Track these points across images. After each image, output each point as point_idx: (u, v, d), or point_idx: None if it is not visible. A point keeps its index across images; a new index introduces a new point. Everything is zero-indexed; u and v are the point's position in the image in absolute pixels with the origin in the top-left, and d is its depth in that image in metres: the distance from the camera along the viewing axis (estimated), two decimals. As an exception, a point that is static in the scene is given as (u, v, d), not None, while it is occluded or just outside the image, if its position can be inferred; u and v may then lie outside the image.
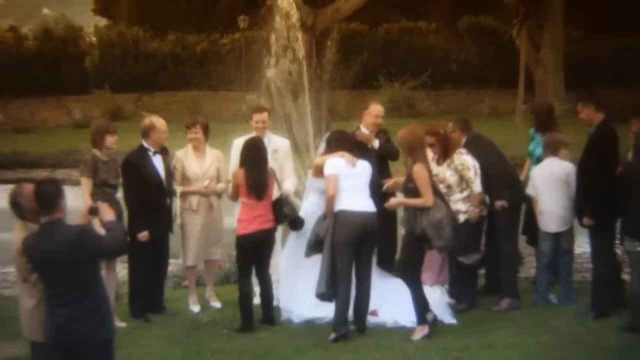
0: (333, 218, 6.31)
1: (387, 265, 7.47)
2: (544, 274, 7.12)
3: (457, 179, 6.89)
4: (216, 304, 7.40)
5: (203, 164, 7.28)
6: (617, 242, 6.67)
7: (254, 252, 6.60)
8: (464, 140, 7.28)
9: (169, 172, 7.11)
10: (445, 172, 6.91)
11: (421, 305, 6.35)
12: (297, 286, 6.80)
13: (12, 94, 28.68)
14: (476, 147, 7.17)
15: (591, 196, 6.53)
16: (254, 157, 6.54)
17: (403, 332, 6.46)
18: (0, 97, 28.56)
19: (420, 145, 6.33)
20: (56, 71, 30.04)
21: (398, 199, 6.54)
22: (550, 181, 6.98)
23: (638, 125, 6.83)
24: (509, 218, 7.10)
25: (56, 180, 4.82)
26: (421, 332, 6.30)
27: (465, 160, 6.87)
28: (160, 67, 30.52)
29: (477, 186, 6.85)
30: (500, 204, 6.95)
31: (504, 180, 7.08)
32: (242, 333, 6.52)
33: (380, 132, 7.62)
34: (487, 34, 29.83)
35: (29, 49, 31.04)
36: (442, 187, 6.73)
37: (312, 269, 6.58)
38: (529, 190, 7.16)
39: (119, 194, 6.98)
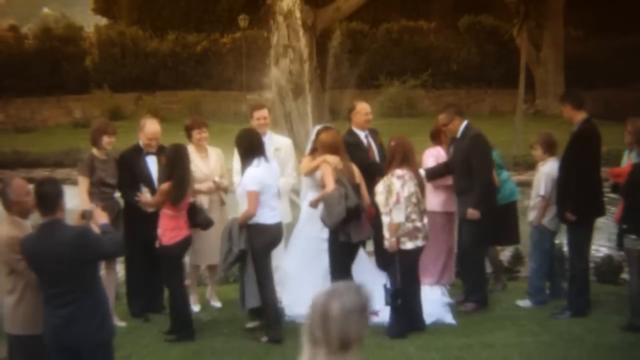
0: (247, 230, 6.23)
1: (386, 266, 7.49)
2: (544, 273, 7.16)
3: (384, 198, 6.31)
4: (217, 304, 7.41)
5: (209, 163, 7.29)
6: (614, 241, 6.69)
7: (181, 258, 6.62)
8: (462, 127, 6.98)
9: None
10: (378, 186, 6.44)
11: None
12: (303, 286, 6.80)
13: (13, 93, 28.65)
14: (474, 146, 6.91)
15: (573, 192, 6.58)
16: (181, 168, 6.35)
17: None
18: (0, 97, 28.54)
19: (340, 148, 6.56)
20: (56, 71, 29.99)
21: (315, 197, 6.69)
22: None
23: (632, 125, 6.91)
24: (479, 226, 6.86)
25: (56, 180, 4.80)
26: None
27: (393, 184, 6.24)
28: (160, 66, 30.48)
29: (395, 215, 6.21)
30: (472, 212, 6.65)
31: (485, 191, 6.80)
32: (180, 342, 6.33)
33: (374, 133, 7.60)
34: (488, 33, 29.79)
35: (29, 49, 30.96)
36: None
37: (318, 269, 6.62)
38: (540, 190, 7.07)
39: (118, 194, 6.99)
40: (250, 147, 6.30)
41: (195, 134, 7.28)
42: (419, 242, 6.41)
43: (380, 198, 6.33)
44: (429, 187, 7.45)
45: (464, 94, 29.32)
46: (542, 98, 26.86)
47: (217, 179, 7.17)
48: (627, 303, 6.53)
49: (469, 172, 6.66)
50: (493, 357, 5.85)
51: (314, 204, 6.64)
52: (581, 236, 6.74)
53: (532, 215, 7.16)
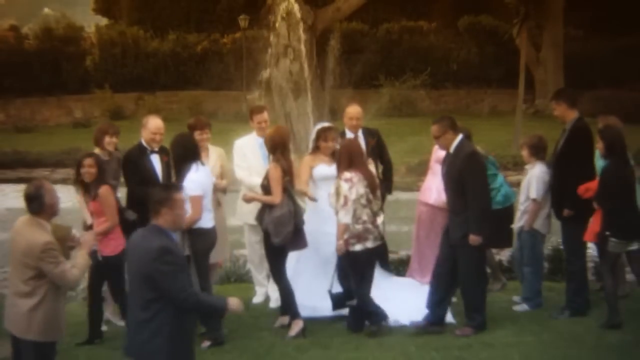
0: (187, 235, 6.18)
1: (386, 265, 7.49)
2: (540, 275, 7.17)
3: (335, 200, 6.35)
4: (217, 303, 7.41)
5: (208, 163, 7.29)
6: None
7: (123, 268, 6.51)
8: (457, 141, 6.37)
9: (168, 172, 7.13)
10: (331, 188, 6.47)
11: (290, 301, 6.48)
12: (302, 279, 6.84)
13: (13, 93, 28.68)
14: (467, 167, 6.30)
15: (570, 190, 6.60)
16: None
17: (404, 331, 6.49)
18: (1, 97, 28.55)
19: (282, 145, 6.48)
20: (57, 71, 30.01)
21: (251, 194, 6.74)
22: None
23: (604, 121, 6.99)
24: (476, 251, 6.40)
25: (168, 187, 4.68)
26: (297, 327, 6.42)
27: (341, 187, 6.28)
28: (161, 66, 30.50)
29: (341, 217, 6.24)
30: (474, 238, 6.22)
31: (484, 215, 6.29)
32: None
33: (369, 135, 7.56)
34: (488, 33, 29.82)
35: (29, 49, 30.96)
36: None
37: (318, 263, 6.64)
38: (535, 194, 6.95)
39: (120, 194, 7.00)
40: (185, 153, 6.28)
41: (197, 134, 7.27)
42: (369, 244, 6.38)
43: (332, 200, 6.40)
44: (436, 183, 7.33)
45: (463, 94, 29.36)
46: (541, 98, 26.87)
47: (214, 179, 7.18)
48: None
49: (463, 191, 6.31)
50: (493, 356, 5.87)
51: (247, 200, 6.72)
52: (577, 234, 6.73)
53: (523, 220, 7.03)
